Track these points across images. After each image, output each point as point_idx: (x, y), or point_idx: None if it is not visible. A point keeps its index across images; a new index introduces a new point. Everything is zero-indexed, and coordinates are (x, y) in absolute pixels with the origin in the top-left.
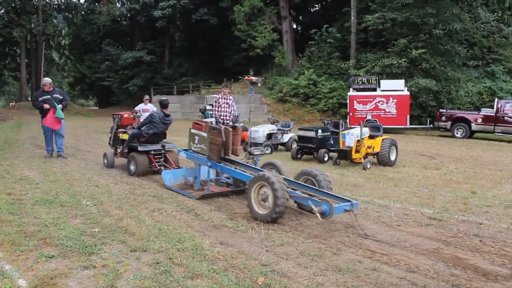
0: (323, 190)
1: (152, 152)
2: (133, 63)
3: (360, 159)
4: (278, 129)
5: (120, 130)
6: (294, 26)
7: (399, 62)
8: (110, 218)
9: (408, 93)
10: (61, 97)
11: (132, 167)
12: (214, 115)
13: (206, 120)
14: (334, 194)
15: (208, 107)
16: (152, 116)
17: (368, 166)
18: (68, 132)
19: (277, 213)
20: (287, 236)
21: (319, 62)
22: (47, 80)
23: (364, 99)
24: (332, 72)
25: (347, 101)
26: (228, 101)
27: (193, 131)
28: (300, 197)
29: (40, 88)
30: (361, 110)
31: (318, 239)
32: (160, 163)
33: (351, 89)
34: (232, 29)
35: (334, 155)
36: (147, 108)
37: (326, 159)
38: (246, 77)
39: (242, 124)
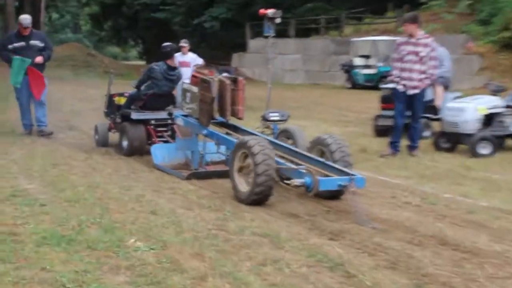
0: (330, 164)
1: (153, 121)
2: None
3: None
4: (507, 107)
5: (116, 92)
6: None
7: None
8: (181, 275)
9: None
10: (42, 45)
11: (124, 143)
12: (391, 75)
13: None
14: (340, 168)
15: (357, 62)
16: (151, 70)
17: None
18: (95, 108)
19: (257, 193)
20: None
21: None
22: (25, 18)
23: None
24: None
25: None
26: (418, 49)
27: (185, 86)
28: (285, 168)
29: (16, 30)
30: None
31: None
32: (164, 138)
33: None
34: None
35: None
36: (185, 61)
37: None
38: (260, 11)
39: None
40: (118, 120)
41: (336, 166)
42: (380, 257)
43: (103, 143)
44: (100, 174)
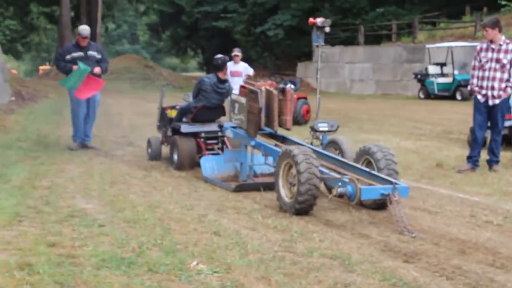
0: (375, 173)
1: (203, 134)
2: None
3: None
4: None
5: (168, 105)
6: None
7: None
8: None
9: None
10: (99, 56)
11: (174, 157)
12: (470, 84)
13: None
14: (385, 177)
15: (431, 70)
16: (201, 83)
17: None
18: (154, 122)
19: (300, 202)
20: None
21: None
22: (84, 29)
23: None
24: None
25: None
26: (500, 56)
27: (233, 97)
28: (328, 177)
29: (74, 41)
30: None
31: None
32: (214, 151)
33: None
34: None
35: None
36: (237, 70)
37: None
38: (309, 20)
39: None
40: (169, 133)
41: (381, 175)
42: (459, 281)
43: (155, 156)
44: (160, 193)
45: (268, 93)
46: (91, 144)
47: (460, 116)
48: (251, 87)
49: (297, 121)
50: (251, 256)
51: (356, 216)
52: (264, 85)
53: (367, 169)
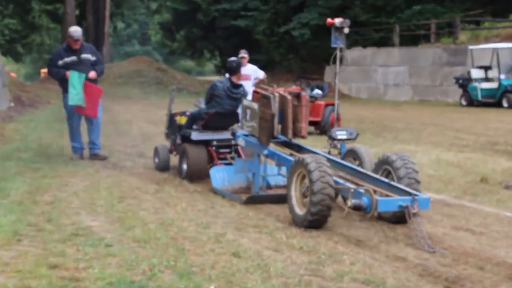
0: (395, 184)
1: (215, 143)
2: None
3: None
4: None
5: (177, 111)
6: None
7: None
8: None
9: None
10: (94, 59)
11: (183, 166)
12: None
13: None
14: (404, 188)
15: (475, 74)
16: (213, 88)
17: None
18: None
19: (313, 213)
20: None
21: None
22: (75, 31)
23: None
24: None
25: None
26: None
27: (245, 102)
28: (343, 188)
29: (66, 44)
30: None
31: None
32: (226, 161)
33: None
34: None
35: None
36: (245, 74)
37: None
38: (327, 20)
39: None
40: (179, 141)
41: (400, 186)
42: None
43: (163, 166)
44: (174, 209)
45: (282, 99)
46: (101, 153)
47: (506, 125)
48: (263, 91)
49: (324, 130)
50: (274, 280)
51: (390, 236)
52: (278, 91)
53: (386, 180)
